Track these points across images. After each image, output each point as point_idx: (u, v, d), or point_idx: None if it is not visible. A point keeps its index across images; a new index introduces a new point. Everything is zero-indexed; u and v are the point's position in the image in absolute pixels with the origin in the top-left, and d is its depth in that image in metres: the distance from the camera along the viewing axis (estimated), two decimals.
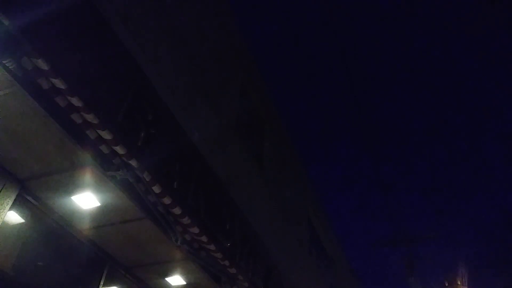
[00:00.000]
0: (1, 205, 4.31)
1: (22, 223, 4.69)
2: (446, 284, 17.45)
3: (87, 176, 4.56)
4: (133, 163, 4.66)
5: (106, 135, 4.33)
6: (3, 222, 4.33)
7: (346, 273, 16.59)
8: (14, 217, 4.60)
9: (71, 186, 4.67)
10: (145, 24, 5.50)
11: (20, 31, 3.53)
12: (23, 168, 4.50)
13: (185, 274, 6.34)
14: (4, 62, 3.61)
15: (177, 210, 5.31)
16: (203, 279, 6.46)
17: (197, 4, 7.20)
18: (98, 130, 4.30)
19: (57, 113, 4.04)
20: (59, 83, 3.87)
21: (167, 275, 6.35)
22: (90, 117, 4.16)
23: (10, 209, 4.44)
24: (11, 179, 4.51)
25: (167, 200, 5.15)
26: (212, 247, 6.02)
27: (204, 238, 5.84)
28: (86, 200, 4.83)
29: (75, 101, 4.01)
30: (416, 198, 60.71)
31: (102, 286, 5.62)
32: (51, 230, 5.04)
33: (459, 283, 17.17)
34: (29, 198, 4.73)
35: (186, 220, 5.48)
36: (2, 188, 4.38)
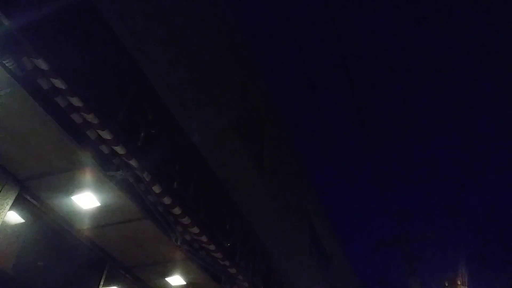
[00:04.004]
0: (1, 205, 4.31)
1: (22, 223, 4.68)
2: (446, 284, 17.43)
3: (87, 176, 4.54)
4: (133, 163, 4.66)
5: (106, 135, 4.33)
6: (3, 222, 4.32)
7: (346, 273, 16.59)
8: (14, 217, 4.60)
9: (71, 186, 4.67)
10: (145, 24, 5.50)
11: (20, 31, 3.53)
12: (23, 168, 4.49)
13: (185, 274, 6.34)
14: (4, 62, 3.61)
15: (177, 210, 5.31)
16: (203, 279, 6.46)
17: (197, 4, 7.21)
18: (98, 130, 4.30)
19: (57, 113, 4.03)
20: (59, 83, 3.86)
21: (167, 275, 6.35)
22: (90, 117, 4.16)
23: (10, 209, 4.43)
24: (11, 179, 4.50)
25: (167, 200, 5.15)
26: (212, 247, 6.02)
27: (204, 238, 5.84)
28: (86, 200, 4.82)
29: (75, 101, 4.01)
30: (416, 198, 60.78)
31: (102, 286, 5.61)
32: (51, 230, 5.03)
33: (459, 283, 17.15)
34: (29, 198, 4.72)
35: (186, 220, 5.48)
36: (2, 188, 4.38)
